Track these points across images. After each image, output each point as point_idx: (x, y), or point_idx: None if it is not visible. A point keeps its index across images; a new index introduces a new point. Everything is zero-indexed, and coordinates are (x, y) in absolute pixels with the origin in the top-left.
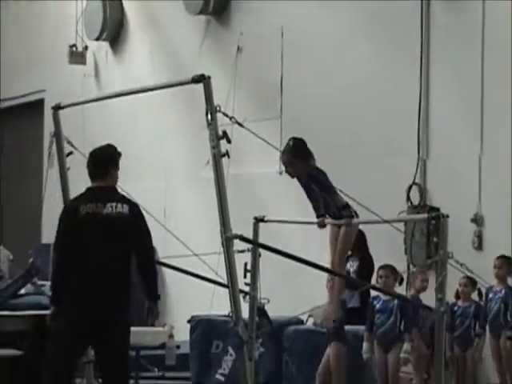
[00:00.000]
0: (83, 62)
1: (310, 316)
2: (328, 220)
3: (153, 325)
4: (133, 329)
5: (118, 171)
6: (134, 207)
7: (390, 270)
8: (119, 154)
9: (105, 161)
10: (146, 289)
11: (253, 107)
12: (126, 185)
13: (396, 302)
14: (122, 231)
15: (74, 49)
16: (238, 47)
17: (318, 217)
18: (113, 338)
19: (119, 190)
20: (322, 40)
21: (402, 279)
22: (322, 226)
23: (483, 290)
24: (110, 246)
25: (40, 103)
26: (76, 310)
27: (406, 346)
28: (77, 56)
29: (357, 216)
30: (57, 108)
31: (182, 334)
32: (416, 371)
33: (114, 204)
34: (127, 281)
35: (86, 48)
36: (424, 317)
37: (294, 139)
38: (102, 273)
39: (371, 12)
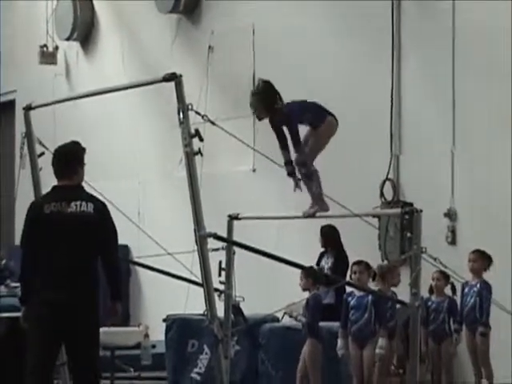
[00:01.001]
0: (54, 62)
1: (285, 313)
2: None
3: (123, 324)
4: (107, 329)
5: (84, 168)
6: (100, 206)
7: (363, 265)
8: (84, 150)
9: (70, 159)
10: (110, 287)
11: (225, 105)
12: (99, 183)
13: (370, 297)
14: (86, 230)
15: (45, 49)
16: (210, 46)
17: (285, 163)
18: (81, 334)
19: (92, 188)
20: (294, 37)
21: (374, 274)
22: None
23: (457, 285)
24: (74, 244)
25: (11, 104)
26: (43, 309)
27: (381, 341)
28: (47, 56)
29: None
30: (28, 108)
31: (158, 333)
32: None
33: (78, 203)
34: (92, 278)
35: (56, 48)
36: (398, 312)
37: (263, 82)
38: (66, 271)
39: (343, 8)
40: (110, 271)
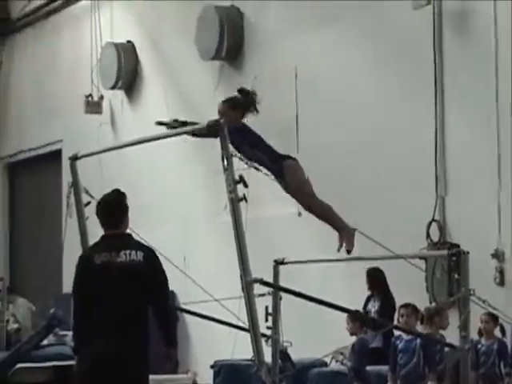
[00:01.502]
0: (99, 111)
1: (333, 358)
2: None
3: (172, 371)
4: (157, 377)
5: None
6: (149, 254)
7: (411, 308)
8: (126, 197)
9: (115, 208)
10: (163, 336)
11: None
12: (144, 230)
13: (418, 341)
14: (136, 279)
15: (90, 98)
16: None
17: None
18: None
19: (137, 235)
20: (336, 78)
21: (423, 317)
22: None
23: (506, 326)
24: (125, 295)
25: (57, 153)
26: (94, 361)
27: None
28: (93, 105)
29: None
30: (74, 158)
31: (206, 379)
32: None
33: (128, 251)
34: (144, 329)
35: (101, 97)
36: (447, 355)
37: (240, 91)
38: (117, 323)
39: (384, 49)
40: (163, 319)
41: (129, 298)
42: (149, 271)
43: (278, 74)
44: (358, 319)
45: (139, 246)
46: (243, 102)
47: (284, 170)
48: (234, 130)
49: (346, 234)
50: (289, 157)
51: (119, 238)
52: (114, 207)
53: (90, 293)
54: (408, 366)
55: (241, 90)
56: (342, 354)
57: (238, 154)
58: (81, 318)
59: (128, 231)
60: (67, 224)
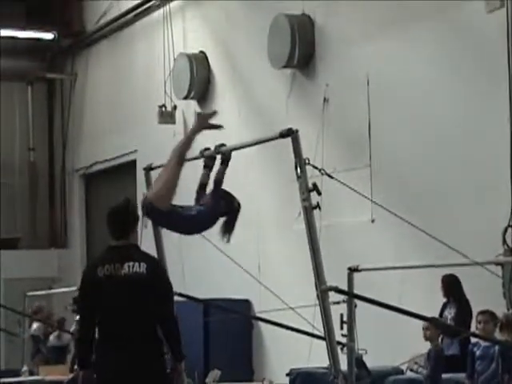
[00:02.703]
0: (173, 122)
1: (408, 367)
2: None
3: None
4: None
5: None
6: (153, 265)
7: (488, 315)
8: (135, 207)
9: (123, 219)
10: (169, 348)
11: (341, 157)
12: (217, 240)
13: (497, 347)
14: (140, 292)
15: (164, 109)
16: (325, 98)
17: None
18: None
19: (213, 245)
20: (408, 85)
21: (501, 324)
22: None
23: None
24: (128, 308)
25: (132, 164)
26: (102, 375)
27: None
28: (166, 116)
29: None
30: (148, 169)
31: None
32: None
33: (131, 263)
34: (151, 342)
35: (174, 107)
36: None
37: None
38: (121, 337)
39: (458, 53)
40: (167, 332)
41: (133, 311)
42: (152, 283)
43: (349, 82)
44: (435, 326)
45: (144, 258)
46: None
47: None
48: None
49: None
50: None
51: (124, 250)
52: (120, 217)
53: (93, 306)
54: (486, 372)
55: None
56: (416, 363)
57: (311, 161)
58: (85, 332)
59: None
60: (143, 234)
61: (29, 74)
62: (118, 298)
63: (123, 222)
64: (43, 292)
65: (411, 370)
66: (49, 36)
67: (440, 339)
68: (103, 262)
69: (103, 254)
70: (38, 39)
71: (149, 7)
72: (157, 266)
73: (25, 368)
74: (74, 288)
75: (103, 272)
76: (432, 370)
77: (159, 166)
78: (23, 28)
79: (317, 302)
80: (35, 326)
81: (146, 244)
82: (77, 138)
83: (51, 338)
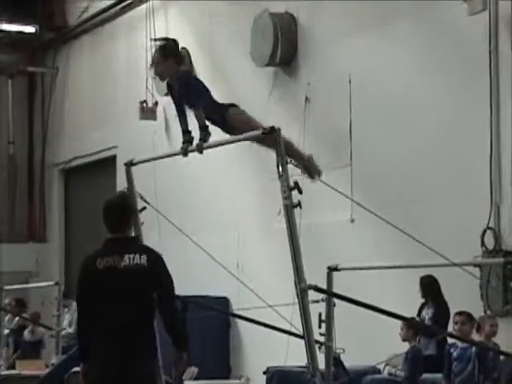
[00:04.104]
0: (154, 118)
1: (386, 365)
2: (206, 145)
3: (181, 374)
4: (210, 382)
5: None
6: (153, 257)
7: (465, 316)
8: (131, 200)
9: (119, 212)
10: (172, 339)
11: (322, 156)
12: (198, 236)
13: (474, 349)
14: (141, 283)
15: (145, 105)
16: (306, 97)
17: (184, 142)
18: None
19: (192, 241)
20: (390, 85)
21: (478, 326)
22: (184, 154)
23: None
24: (129, 300)
25: (112, 159)
26: (100, 367)
27: None
28: (147, 112)
29: (233, 105)
30: (129, 164)
31: None
32: None
33: (131, 255)
34: (150, 332)
35: (156, 104)
36: (502, 363)
37: (168, 40)
38: (124, 328)
39: (440, 55)
40: (169, 323)
41: (133, 302)
42: (153, 275)
43: (331, 80)
44: (412, 326)
45: (143, 250)
46: (173, 50)
47: (228, 120)
48: (185, 80)
49: (310, 163)
50: (231, 105)
51: (123, 242)
52: (117, 210)
53: (93, 298)
54: (463, 373)
55: (168, 40)
56: (394, 366)
57: (293, 162)
58: (84, 324)
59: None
60: None
61: (10, 68)
62: (119, 288)
63: (119, 214)
64: (20, 286)
65: (390, 375)
66: (31, 29)
67: (417, 339)
68: (102, 254)
69: (102, 247)
70: (20, 32)
71: (131, 3)
72: (157, 258)
73: (1, 362)
74: (51, 282)
75: (103, 264)
76: (410, 371)
77: (141, 162)
78: (5, 21)
79: (295, 300)
80: (7, 318)
81: None
82: (57, 132)
83: (25, 332)
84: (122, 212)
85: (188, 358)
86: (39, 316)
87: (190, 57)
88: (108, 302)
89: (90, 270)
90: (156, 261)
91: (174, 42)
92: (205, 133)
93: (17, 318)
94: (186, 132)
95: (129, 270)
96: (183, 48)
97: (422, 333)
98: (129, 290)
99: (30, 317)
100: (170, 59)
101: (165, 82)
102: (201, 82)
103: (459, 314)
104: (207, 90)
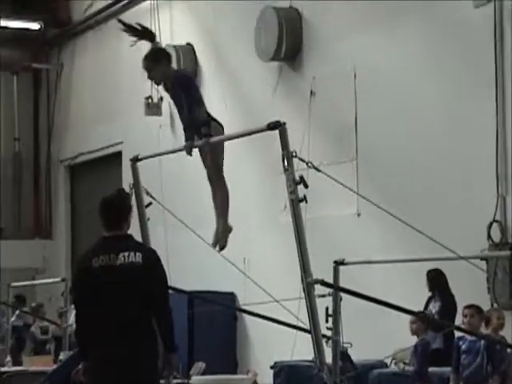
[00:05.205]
0: (159, 113)
1: (394, 359)
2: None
3: (169, 376)
4: (218, 377)
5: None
6: (148, 254)
7: (474, 309)
8: (127, 197)
9: (115, 209)
10: (162, 339)
11: (328, 150)
12: (204, 232)
13: (482, 342)
14: (136, 282)
15: (150, 100)
16: (311, 91)
17: (186, 139)
18: None
19: (199, 236)
20: (395, 79)
21: (487, 319)
22: (188, 152)
23: None
24: (125, 298)
25: (118, 155)
26: (101, 365)
27: None
28: (152, 107)
29: (222, 128)
30: (135, 160)
31: (266, 379)
32: None
33: (126, 254)
34: (147, 331)
35: (161, 99)
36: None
37: (156, 46)
38: (123, 326)
39: (445, 48)
40: (161, 322)
41: (128, 302)
42: (148, 273)
43: (336, 75)
44: (423, 320)
45: (138, 248)
46: (160, 53)
47: (209, 132)
48: (183, 81)
49: (224, 234)
50: (217, 122)
51: (118, 240)
52: (113, 208)
53: (89, 297)
54: (471, 366)
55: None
56: (402, 361)
57: (299, 156)
58: (84, 323)
59: (132, 231)
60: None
61: (15, 64)
62: (115, 288)
63: (116, 212)
64: (27, 282)
65: (398, 368)
66: (35, 26)
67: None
68: (98, 252)
69: (97, 245)
70: (25, 29)
71: None
72: (152, 256)
73: (8, 358)
74: (57, 279)
75: (98, 263)
76: (419, 365)
77: (146, 158)
78: (9, 18)
79: (302, 294)
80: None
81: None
82: (62, 128)
83: (33, 328)
84: (118, 209)
85: (178, 361)
86: (42, 306)
87: (194, 52)
88: (105, 300)
89: (86, 269)
90: (151, 258)
91: (158, 46)
92: (207, 128)
93: (17, 312)
94: (188, 130)
95: (124, 268)
96: (188, 44)
97: (432, 327)
98: (125, 287)
99: (30, 310)
100: (160, 63)
101: None
102: (195, 85)
103: (468, 307)
104: (200, 94)
